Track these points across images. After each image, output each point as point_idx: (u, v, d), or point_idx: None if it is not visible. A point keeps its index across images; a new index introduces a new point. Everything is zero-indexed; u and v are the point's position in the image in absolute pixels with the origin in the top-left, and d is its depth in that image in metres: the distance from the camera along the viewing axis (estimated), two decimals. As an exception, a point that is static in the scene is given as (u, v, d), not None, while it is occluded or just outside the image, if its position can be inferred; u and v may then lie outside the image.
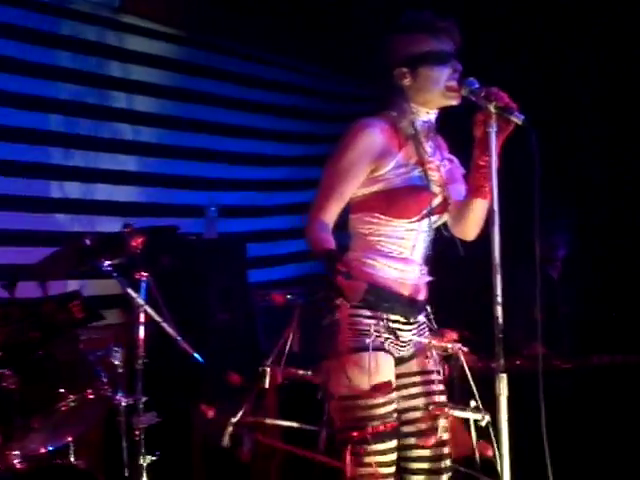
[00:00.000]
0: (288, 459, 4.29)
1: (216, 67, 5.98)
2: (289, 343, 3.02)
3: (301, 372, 3.15)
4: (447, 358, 2.96)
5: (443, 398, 2.92)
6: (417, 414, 2.87)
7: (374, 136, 2.80)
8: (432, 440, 2.81)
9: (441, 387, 2.94)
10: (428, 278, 2.95)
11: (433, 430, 2.82)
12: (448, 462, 2.88)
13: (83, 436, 3.99)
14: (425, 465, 2.88)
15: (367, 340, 2.73)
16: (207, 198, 5.46)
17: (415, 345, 2.93)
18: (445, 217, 2.97)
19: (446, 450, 2.87)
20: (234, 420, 2.97)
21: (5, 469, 3.19)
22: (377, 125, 2.83)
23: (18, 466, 3.22)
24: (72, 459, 3.65)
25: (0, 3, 4.65)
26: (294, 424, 3.08)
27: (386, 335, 2.80)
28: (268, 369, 3.09)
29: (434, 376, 2.93)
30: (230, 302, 5.17)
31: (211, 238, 5.36)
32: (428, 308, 3.00)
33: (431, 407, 2.83)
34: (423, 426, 2.85)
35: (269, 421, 2.95)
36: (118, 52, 5.35)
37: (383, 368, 2.75)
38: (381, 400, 2.71)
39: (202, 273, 5.13)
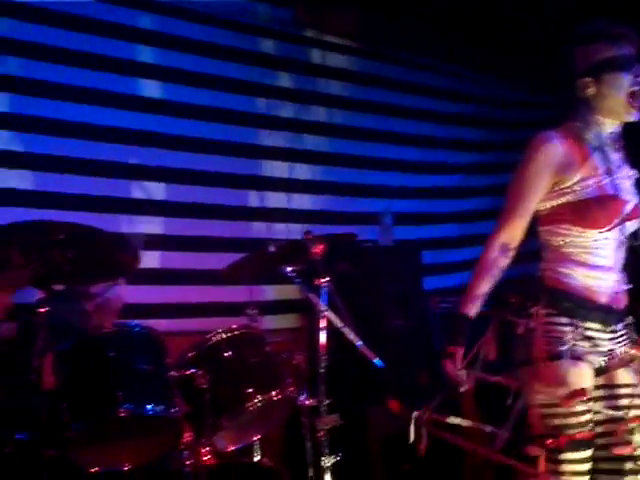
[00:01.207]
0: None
1: (388, 77, 6.08)
2: (483, 351, 3.01)
3: (494, 378, 3.13)
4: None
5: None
6: (614, 426, 2.81)
7: (554, 149, 2.80)
8: (627, 450, 2.75)
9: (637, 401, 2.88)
10: (626, 286, 2.90)
11: (628, 442, 2.77)
12: None
13: (267, 436, 4.14)
14: (615, 466, 2.83)
15: (563, 348, 2.72)
16: (382, 206, 5.53)
17: (617, 356, 2.88)
18: (637, 224, 2.92)
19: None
20: (415, 415, 2.98)
21: (196, 464, 3.32)
22: (557, 138, 2.83)
23: (208, 462, 3.34)
24: (257, 458, 3.79)
25: (180, 18, 4.90)
26: (474, 424, 3.06)
27: (583, 343, 2.76)
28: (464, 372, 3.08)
29: (636, 390, 2.87)
30: (405, 308, 5.20)
31: (387, 245, 5.42)
32: (629, 317, 2.94)
33: (630, 415, 2.77)
34: (619, 437, 2.79)
35: (451, 420, 2.95)
36: (290, 62, 5.53)
37: (579, 376, 2.72)
38: (577, 409, 2.68)
39: (378, 279, 5.19)
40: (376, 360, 3.84)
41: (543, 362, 2.70)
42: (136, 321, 3.46)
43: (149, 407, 3.20)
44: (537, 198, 2.84)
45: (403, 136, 6.09)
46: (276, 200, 5.40)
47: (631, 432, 2.78)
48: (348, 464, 4.63)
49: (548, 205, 2.86)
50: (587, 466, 2.72)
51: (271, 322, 5.17)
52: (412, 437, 3.06)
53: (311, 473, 3.78)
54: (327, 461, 3.70)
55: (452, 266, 6.19)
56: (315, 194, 5.59)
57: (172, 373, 3.38)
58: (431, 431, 2.87)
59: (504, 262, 2.81)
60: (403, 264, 5.37)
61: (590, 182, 2.79)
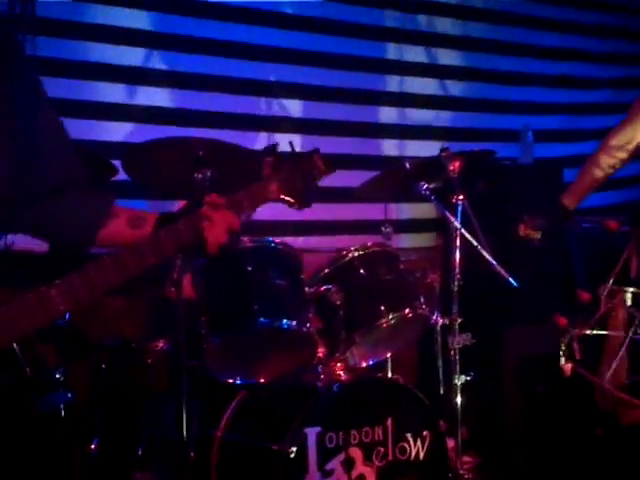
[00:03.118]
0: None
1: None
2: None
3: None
4: None
5: None
6: None
7: None
8: None
9: None
10: None
11: None
12: None
13: (399, 354, 4.16)
14: None
15: None
16: (523, 122, 5.38)
17: None
18: None
19: None
20: (572, 331, 2.93)
21: (328, 379, 3.37)
22: None
23: (342, 377, 3.38)
24: (389, 374, 3.83)
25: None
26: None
27: None
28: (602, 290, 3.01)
29: None
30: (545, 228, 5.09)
31: (527, 163, 5.28)
32: None
33: None
34: None
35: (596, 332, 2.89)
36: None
37: None
38: None
39: (518, 198, 5.09)
40: (511, 279, 3.78)
41: None
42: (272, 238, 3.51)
43: (283, 322, 3.26)
44: None
45: (545, 49, 5.85)
46: (415, 117, 5.32)
47: None
48: (482, 384, 4.67)
49: None
50: None
51: (407, 240, 5.17)
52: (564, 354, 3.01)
53: (442, 391, 3.80)
54: (459, 380, 3.69)
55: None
56: (454, 110, 5.48)
57: (307, 289, 3.43)
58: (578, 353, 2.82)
59: (610, 162, 2.70)
60: (544, 183, 5.23)
61: None
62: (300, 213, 4.75)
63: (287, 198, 2.31)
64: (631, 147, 2.88)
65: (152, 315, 3.91)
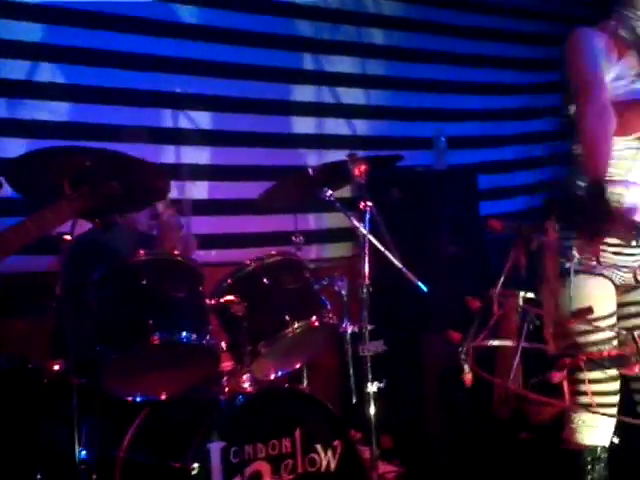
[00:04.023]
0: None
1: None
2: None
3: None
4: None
5: None
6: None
7: (591, 37, 2.67)
8: (636, 369, 2.61)
9: None
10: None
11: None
12: None
13: (317, 363, 4.10)
14: None
15: (571, 263, 2.59)
16: (436, 129, 5.37)
17: None
18: None
19: None
20: (462, 348, 2.88)
21: (232, 392, 3.30)
22: (591, 31, 2.70)
23: (247, 390, 3.31)
24: (304, 385, 3.76)
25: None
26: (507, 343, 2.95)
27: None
28: (493, 294, 2.97)
29: None
30: (461, 234, 5.08)
31: (441, 169, 5.27)
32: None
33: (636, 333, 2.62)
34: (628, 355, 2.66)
35: (490, 343, 2.85)
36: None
37: (587, 293, 2.60)
38: (591, 326, 2.56)
39: (432, 205, 5.07)
40: (420, 284, 3.73)
41: (553, 278, 2.57)
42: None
43: (181, 335, 3.17)
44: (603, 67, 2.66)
45: (459, 56, 5.86)
46: (329, 126, 5.28)
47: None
48: (404, 391, 4.62)
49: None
50: (613, 386, 2.60)
51: (324, 251, 5.11)
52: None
53: (355, 400, 3.74)
54: (370, 388, 3.63)
55: (510, 190, 6.00)
56: (368, 119, 5.45)
57: (207, 301, 3.35)
58: (471, 364, 2.77)
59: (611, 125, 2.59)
60: (458, 189, 5.23)
61: (623, 83, 2.63)
62: (211, 226, 4.72)
63: None
64: None
65: (55, 336, 3.78)
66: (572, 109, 2.74)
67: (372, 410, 3.60)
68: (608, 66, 2.65)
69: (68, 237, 2.89)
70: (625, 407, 2.71)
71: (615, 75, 2.65)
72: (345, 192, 4.19)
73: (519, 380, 2.71)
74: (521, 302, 2.70)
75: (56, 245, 2.89)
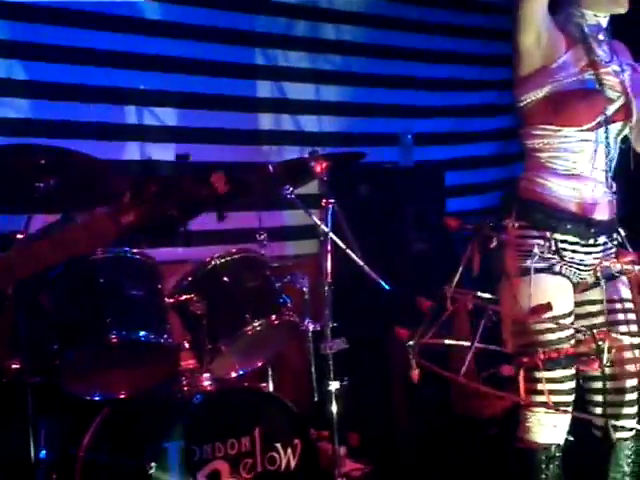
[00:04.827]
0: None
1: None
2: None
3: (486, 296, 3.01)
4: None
5: (634, 328, 2.72)
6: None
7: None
8: (595, 366, 2.61)
9: (631, 316, 2.74)
10: (612, 197, 2.73)
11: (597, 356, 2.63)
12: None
13: (283, 362, 4.09)
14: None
15: (530, 262, 2.59)
16: (402, 126, 5.35)
17: (602, 270, 2.74)
18: (627, 129, 2.74)
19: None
20: (410, 343, 2.89)
21: (192, 391, 3.29)
22: None
23: (206, 388, 3.30)
24: (269, 384, 3.75)
25: None
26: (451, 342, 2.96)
27: (555, 257, 2.63)
28: (448, 292, 2.97)
29: (621, 305, 2.73)
30: (427, 231, 5.08)
31: (407, 166, 5.26)
32: (619, 230, 2.79)
33: (596, 331, 2.62)
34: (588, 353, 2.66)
35: (438, 341, 2.86)
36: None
37: (546, 291, 2.59)
38: (548, 325, 2.56)
39: (399, 202, 5.06)
40: (382, 282, 3.73)
41: (513, 277, 2.58)
42: (127, 248, 3.38)
43: (139, 334, 3.15)
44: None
45: (426, 52, 5.84)
46: (293, 123, 5.25)
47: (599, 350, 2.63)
48: (370, 388, 4.61)
49: (533, 97, 2.71)
50: (569, 385, 2.60)
51: (289, 248, 5.09)
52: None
53: (316, 398, 3.73)
54: (332, 386, 3.62)
55: (478, 187, 6.01)
56: (333, 115, 5.42)
57: (167, 299, 3.33)
58: (417, 360, 2.79)
59: None
60: (425, 186, 5.22)
61: (571, 72, 2.64)
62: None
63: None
64: None
65: (14, 334, 3.75)
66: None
67: (334, 408, 3.59)
68: (556, 52, 2.66)
69: (20, 236, 2.86)
70: (575, 405, 2.71)
71: (563, 62, 2.66)
72: (312, 189, 4.17)
73: (472, 374, 2.72)
74: (474, 301, 2.71)
75: (9, 242, 2.85)
